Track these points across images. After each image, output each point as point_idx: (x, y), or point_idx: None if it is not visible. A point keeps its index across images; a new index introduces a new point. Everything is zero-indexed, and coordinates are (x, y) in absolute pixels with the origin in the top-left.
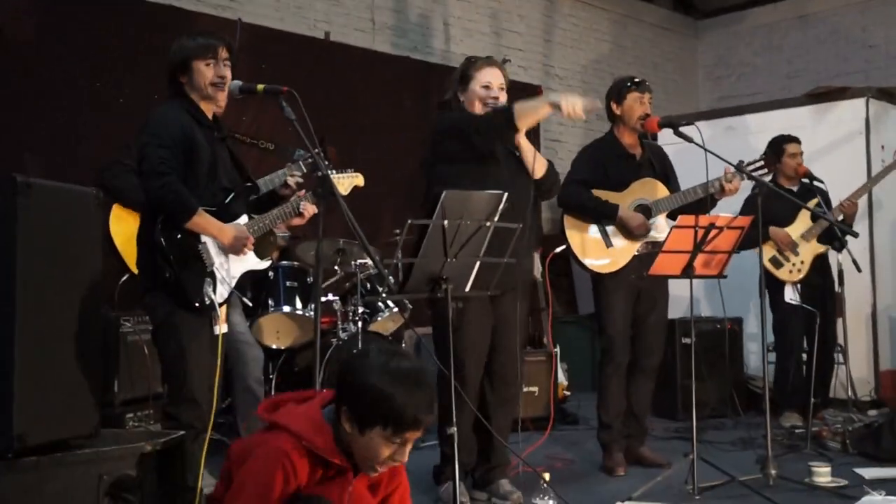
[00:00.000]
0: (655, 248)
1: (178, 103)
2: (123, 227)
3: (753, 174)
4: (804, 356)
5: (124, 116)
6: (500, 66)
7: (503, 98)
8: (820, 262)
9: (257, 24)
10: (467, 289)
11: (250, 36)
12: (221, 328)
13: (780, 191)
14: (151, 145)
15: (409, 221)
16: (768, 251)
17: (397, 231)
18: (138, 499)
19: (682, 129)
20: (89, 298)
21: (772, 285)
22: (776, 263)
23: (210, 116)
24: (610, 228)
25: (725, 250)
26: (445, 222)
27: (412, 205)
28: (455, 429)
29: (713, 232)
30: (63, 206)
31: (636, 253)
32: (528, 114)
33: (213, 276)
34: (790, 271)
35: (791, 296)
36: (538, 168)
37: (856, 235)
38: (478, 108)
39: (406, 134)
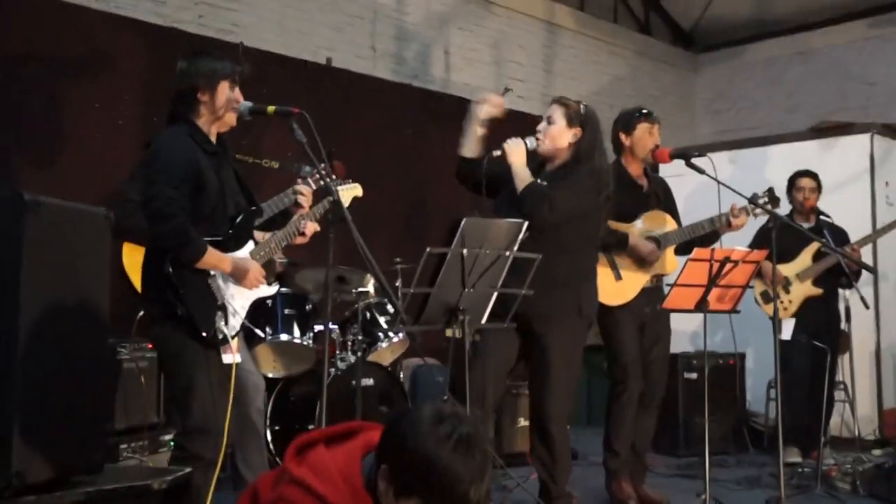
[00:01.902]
0: (660, 281)
1: (182, 129)
2: (134, 261)
3: (766, 206)
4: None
5: (125, 138)
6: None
7: None
8: (825, 300)
9: (260, 48)
10: (483, 320)
11: (252, 60)
12: (235, 357)
13: (795, 225)
14: (159, 184)
15: (428, 250)
16: (759, 285)
17: (398, 259)
18: None
19: (693, 160)
20: (97, 326)
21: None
22: (766, 298)
23: (215, 138)
24: (619, 260)
25: (740, 285)
26: (465, 251)
27: (411, 233)
28: None
29: (728, 266)
30: (73, 226)
31: (645, 286)
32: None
33: (224, 309)
34: (783, 308)
35: (786, 333)
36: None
37: (871, 271)
38: None
39: (407, 160)
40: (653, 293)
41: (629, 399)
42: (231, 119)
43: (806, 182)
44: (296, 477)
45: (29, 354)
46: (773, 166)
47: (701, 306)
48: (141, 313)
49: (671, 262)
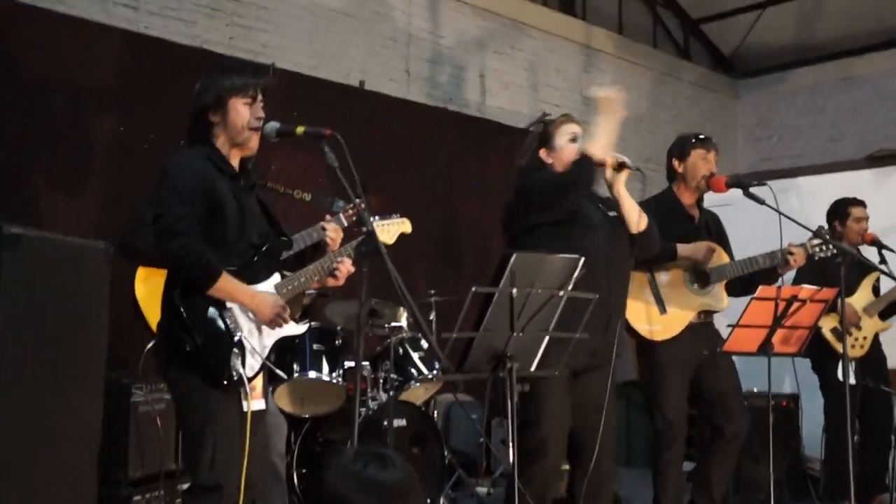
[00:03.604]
0: (710, 318)
1: (199, 151)
2: (150, 288)
3: (833, 241)
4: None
5: (150, 162)
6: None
7: None
8: (875, 338)
9: (290, 70)
10: (533, 367)
11: (283, 81)
12: (251, 404)
13: (865, 260)
14: (168, 201)
15: (474, 289)
16: (829, 322)
17: (432, 291)
18: None
19: (752, 189)
20: (92, 365)
21: (824, 361)
22: (838, 336)
23: (237, 162)
24: (664, 291)
25: (806, 325)
26: (514, 290)
27: (446, 264)
28: None
29: (795, 305)
30: (63, 260)
31: (691, 321)
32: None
33: (241, 346)
34: (852, 346)
35: (851, 376)
36: (641, 221)
37: None
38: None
39: (441, 187)
40: (703, 330)
41: (675, 454)
42: (253, 142)
43: (860, 211)
44: None
45: (5, 399)
46: (827, 197)
47: (765, 349)
48: (148, 347)
49: (722, 298)
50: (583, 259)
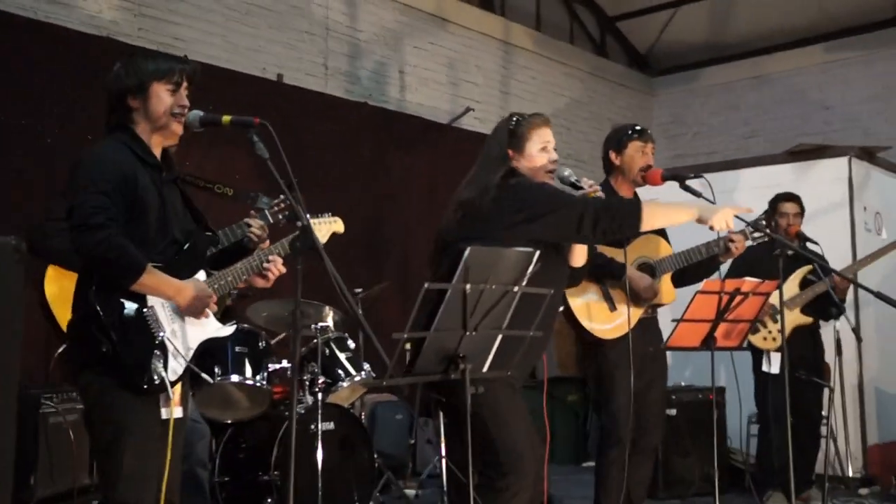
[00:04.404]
0: (655, 312)
1: (118, 139)
2: (60, 288)
3: (769, 231)
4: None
5: (59, 159)
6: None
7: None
8: (809, 332)
9: (206, 63)
10: (485, 368)
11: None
12: (172, 411)
13: (802, 252)
14: (85, 192)
15: (427, 285)
16: None
17: (358, 290)
18: None
19: (688, 182)
20: (3, 374)
21: (753, 353)
22: (752, 329)
23: (159, 152)
24: (612, 288)
25: (748, 318)
26: (468, 287)
27: (369, 259)
28: None
29: (737, 298)
30: None
31: (641, 317)
32: (659, 221)
33: (163, 347)
34: (764, 338)
35: (769, 366)
36: (582, 255)
37: (880, 296)
38: (541, 177)
39: (363, 183)
40: (649, 325)
41: (620, 452)
42: (177, 128)
43: (790, 207)
44: None
45: None
46: (749, 190)
47: (708, 343)
48: (59, 351)
49: (668, 292)
50: (538, 252)
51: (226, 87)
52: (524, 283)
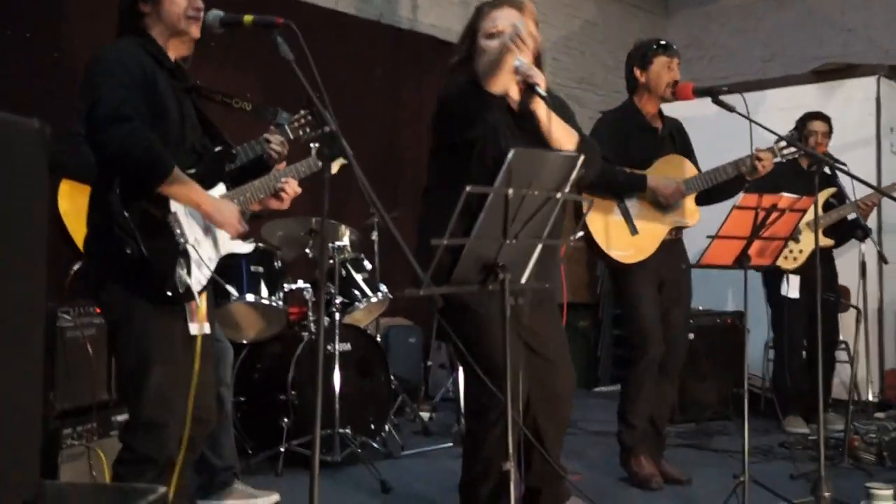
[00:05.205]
0: (680, 234)
1: (132, 40)
2: (73, 203)
3: (803, 147)
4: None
5: (64, 73)
6: (518, 4)
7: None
8: (826, 255)
9: None
10: (524, 279)
11: None
12: (201, 327)
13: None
14: (107, 85)
15: (469, 188)
16: None
17: (373, 211)
18: None
19: (722, 97)
20: (30, 277)
21: (769, 277)
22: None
23: (173, 60)
24: (634, 211)
25: (782, 236)
26: (510, 191)
27: (384, 181)
28: (511, 464)
29: (773, 215)
30: None
31: (664, 239)
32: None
33: (186, 255)
34: (785, 257)
35: (787, 289)
36: (563, 140)
37: (869, 234)
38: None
39: (377, 103)
40: (673, 247)
41: (650, 364)
42: (194, 31)
43: (819, 125)
44: None
45: None
46: (775, 111)
47: (742, 261)
48: (76, 267)
49: (692, 213)
50: (583, 156)
51: (234, 4)
52: (566, 190)
